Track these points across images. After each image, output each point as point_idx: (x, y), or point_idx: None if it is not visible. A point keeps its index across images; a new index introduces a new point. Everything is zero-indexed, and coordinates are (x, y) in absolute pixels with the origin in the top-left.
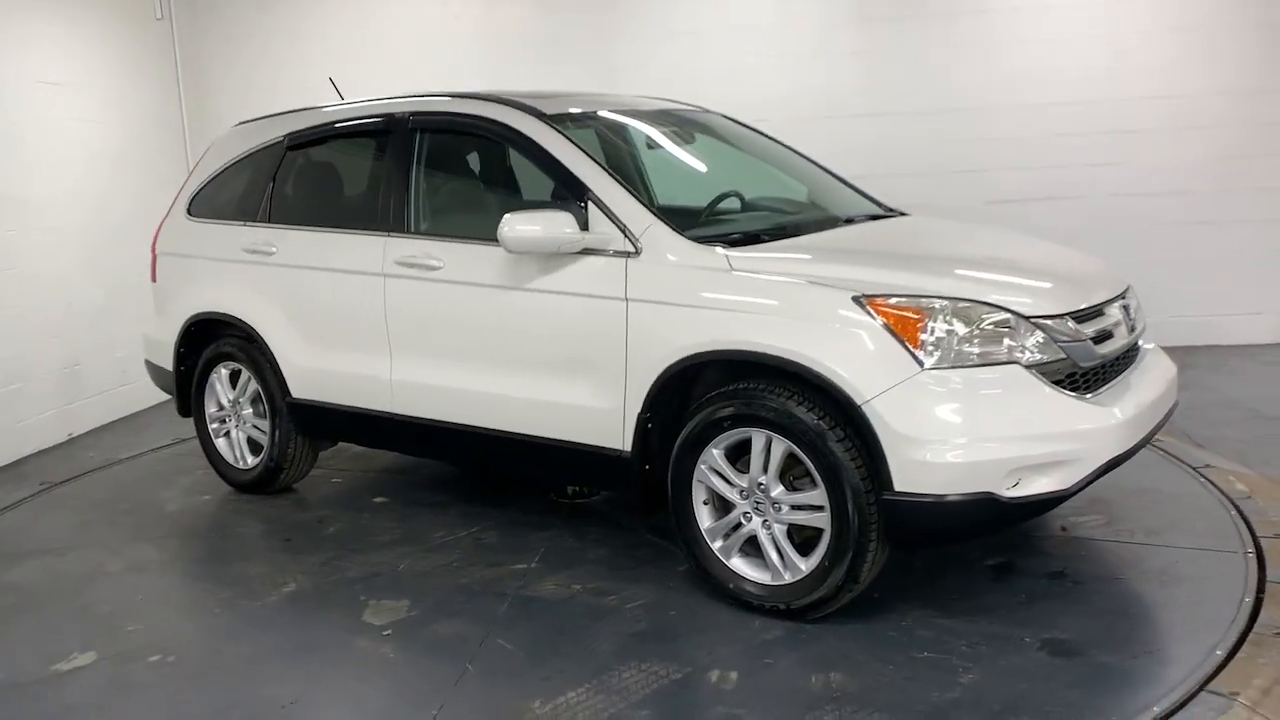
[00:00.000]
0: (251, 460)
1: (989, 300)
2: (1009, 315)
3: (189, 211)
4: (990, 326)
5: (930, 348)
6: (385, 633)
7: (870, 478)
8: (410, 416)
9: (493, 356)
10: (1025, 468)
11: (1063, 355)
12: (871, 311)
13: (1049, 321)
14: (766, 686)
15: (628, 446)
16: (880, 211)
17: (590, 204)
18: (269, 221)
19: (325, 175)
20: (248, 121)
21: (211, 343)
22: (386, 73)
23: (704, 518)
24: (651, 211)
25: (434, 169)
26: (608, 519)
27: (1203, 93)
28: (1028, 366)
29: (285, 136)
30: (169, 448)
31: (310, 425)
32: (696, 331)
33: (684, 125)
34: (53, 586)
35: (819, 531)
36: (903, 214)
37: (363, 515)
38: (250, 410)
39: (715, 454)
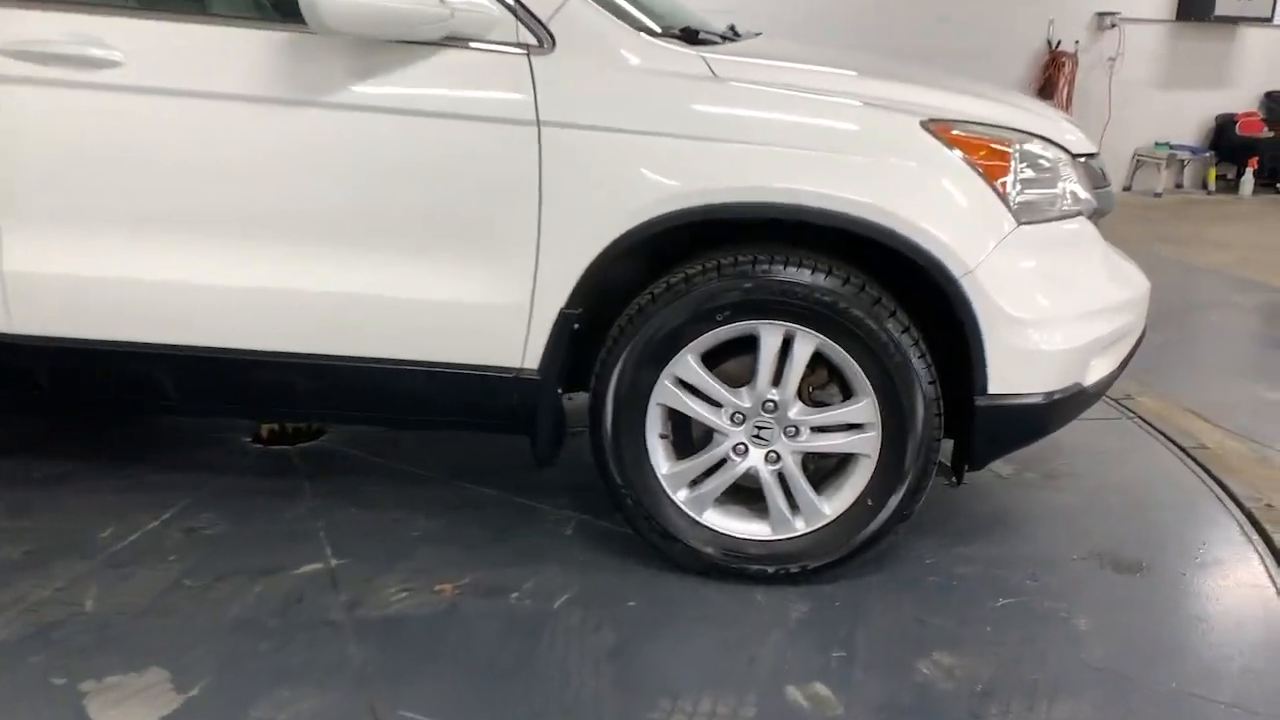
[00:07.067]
0: None
1: (1047, 135)
2: (1063, 154)
3: None
4: (1050, 168)
5: (1015, 196)
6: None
7: (934, 380)
8: (45, 338)
9: (246, 225)
10: (1100, 348)
11: (1095, 205)
12: (949, 144)
13: (1091, 162)
14: (876, 697)
15: (533, 363)
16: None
17: None
18: None
19: None
20: None
21: None
22: None
23: (660, 460)
24: None
25: None
26: (330, 463)
27: None
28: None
29: None
30: None
31: None
32: (681, 175)
33: None
34: None
35: (844, 462)
36: (757, 33)
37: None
38: None
39: (691, 362)
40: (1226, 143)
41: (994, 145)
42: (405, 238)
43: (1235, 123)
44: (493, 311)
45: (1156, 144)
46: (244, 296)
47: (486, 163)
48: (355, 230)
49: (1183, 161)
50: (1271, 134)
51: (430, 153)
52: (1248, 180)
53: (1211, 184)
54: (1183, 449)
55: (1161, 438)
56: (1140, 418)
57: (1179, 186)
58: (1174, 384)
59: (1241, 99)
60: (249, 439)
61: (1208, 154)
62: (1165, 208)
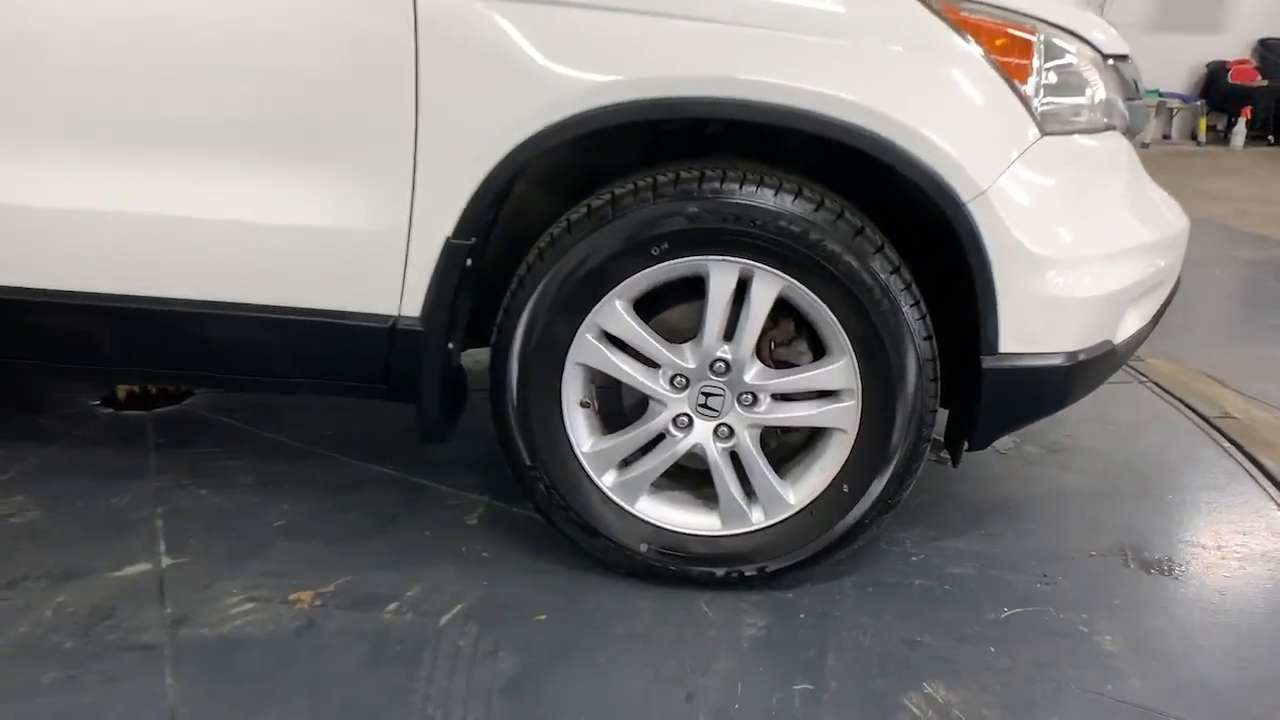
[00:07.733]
0: None
1: (1075, 30)
2: (1093, 52)
3: None
4: (1077, 69)
5: (1038, 100)
6: None
7: (930, 335)
8: None
9: (23, 124)
10: (1134, 297)
11: (1127, 117)
12: (957, 27)
13: (1122, 67)
14: None
15: (413, 309)
16: None
17: None
18: None
19: None
20: None
21: None
22: None
23: (581, 434)
24: None
25: None
26: (191, 432)
27: None
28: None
29: None
30: None
31: None
32: (607, 62)
33: None
34: None
35: (813, 438)
36: None
37: None
38: None
39: (620, 310)
40: (1217, 91)
41: (1014, 33)
42: (236, 141)
43: (1227, 70)
44: (355, 240)
45: (1146, 91)
46: (23, 219)
47: (346, 43)
48: (167, 131)
49: (1172, 110)
50: (1265, 83)
51: (273, 29)
52: (1239, 131)
53: (1202, 135)
54: (1205, 419)
55: (1180, 405)
56: (1154, 382)
57: (1166, 137)
58: (1186, 345)
59: (1234, 45)
60: (97, 402)
61: (1198, 103)
62: (1154, 159)
